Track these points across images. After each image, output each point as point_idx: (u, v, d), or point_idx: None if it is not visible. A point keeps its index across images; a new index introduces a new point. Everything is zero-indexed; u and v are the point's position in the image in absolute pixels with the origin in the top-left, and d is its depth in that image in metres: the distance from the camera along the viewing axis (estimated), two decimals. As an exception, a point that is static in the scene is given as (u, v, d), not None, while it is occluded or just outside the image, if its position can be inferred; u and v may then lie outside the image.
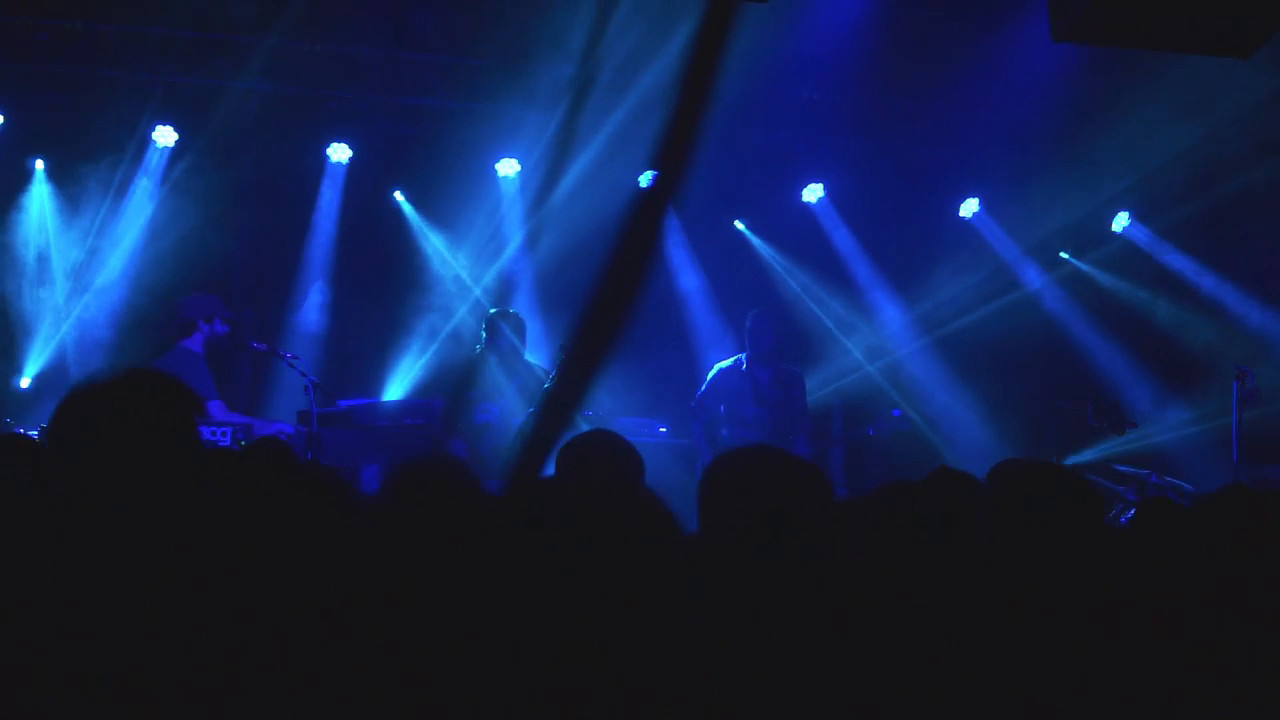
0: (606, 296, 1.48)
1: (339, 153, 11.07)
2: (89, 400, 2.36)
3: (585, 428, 5.11)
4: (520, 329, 8.79)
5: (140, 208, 10.88)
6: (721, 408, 9.12)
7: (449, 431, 8.70)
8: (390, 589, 2.13)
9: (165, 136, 10.79)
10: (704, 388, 9.17)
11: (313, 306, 11.01)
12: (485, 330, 8.81)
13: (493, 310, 9.06)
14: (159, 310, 10.45)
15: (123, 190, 10.85)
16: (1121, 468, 9.10)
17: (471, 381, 8.79)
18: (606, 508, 1.94)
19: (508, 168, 11.29)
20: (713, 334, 11.41)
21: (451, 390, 8.85)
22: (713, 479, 2.95)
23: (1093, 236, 12.18)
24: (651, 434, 9.51)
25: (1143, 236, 12.11)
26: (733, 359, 9.22)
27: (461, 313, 11.02)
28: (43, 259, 10.77)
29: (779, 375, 9.08)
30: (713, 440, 9.12)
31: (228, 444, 7.17)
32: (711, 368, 9.29)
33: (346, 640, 2.07)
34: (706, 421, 9.11)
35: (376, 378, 10.89)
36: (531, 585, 1.97)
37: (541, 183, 11.06)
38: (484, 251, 11.36)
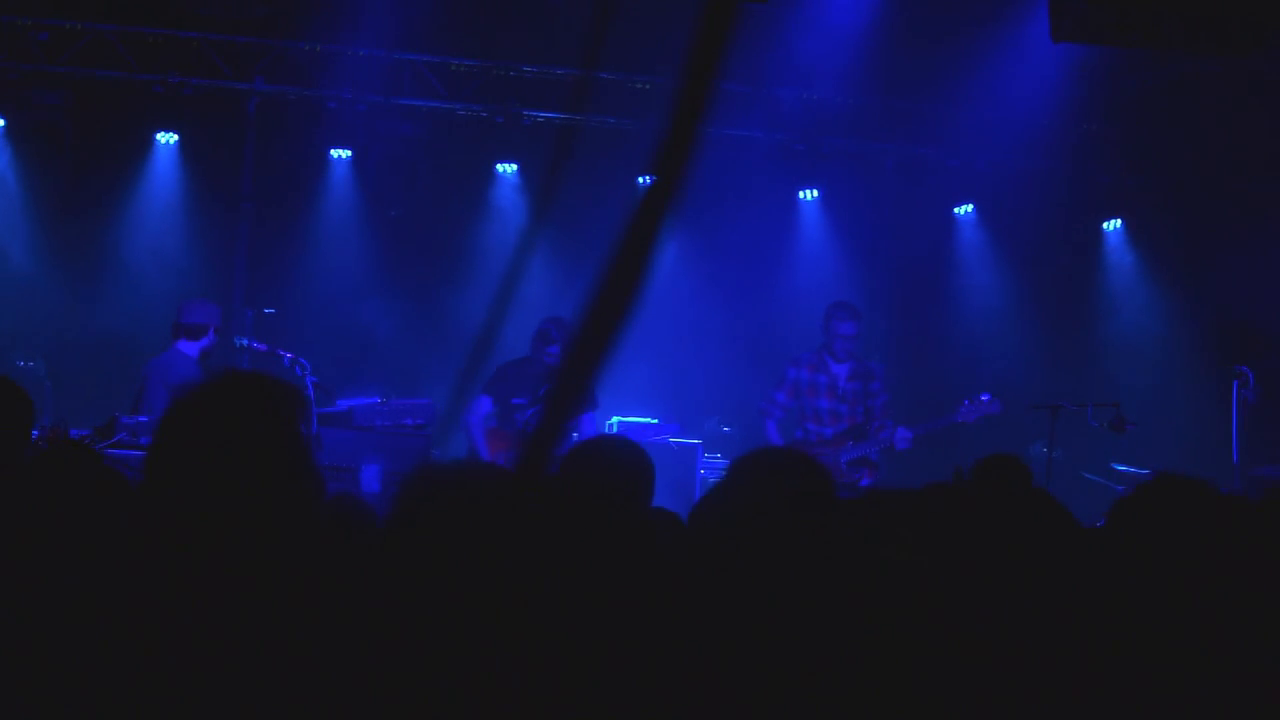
0: (608, 296, 1.49)
1: (339, 153, 11.08)
2: (196, 406, 2.26)
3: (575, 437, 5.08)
4: (497, 324, 8.67)
5: (140, 208, 10.87)
6: (798, 403, 8.92)
7: (450, 430, 8.71)
8: (403, 596, 2.12)
9: (165, 137, 10.79)
10: (778, 382, 8.99)
11: (317, 306, 11.01)
12: (481, 330, 8.80)
13: (489, 310, 9.04)
14: (158, 311, 10.44)
15: (123, 191, 10.85)
16: (1121, 467, 9.08)
17: (469, 381, 8.80)
18: (605, 521, 1.92)
19: (508, 168, 11.29)
20: (713, 334, 11.41)
21: (453, 390, 8.86)
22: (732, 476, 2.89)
23: (1088, 238, 12.19)
24: (652, 434, 9.51)
25: (1138, 239, 12.14)
26: (811, 352, 9.02)
27: (463, 312, 11.02)
28: (41, 260, 10.77)
29: (856, 369, 8.90)
30: (787, 438, 8.93)
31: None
32: (787, 362, 9.06)
33: (362, 650, 2.06)
34: (780, 419, 8.94)
35: (378, 378, 10.88)
36: (533, 585, 1.97)
37: (542, 182, 11.06)
38: (484, 251, 11.36)
